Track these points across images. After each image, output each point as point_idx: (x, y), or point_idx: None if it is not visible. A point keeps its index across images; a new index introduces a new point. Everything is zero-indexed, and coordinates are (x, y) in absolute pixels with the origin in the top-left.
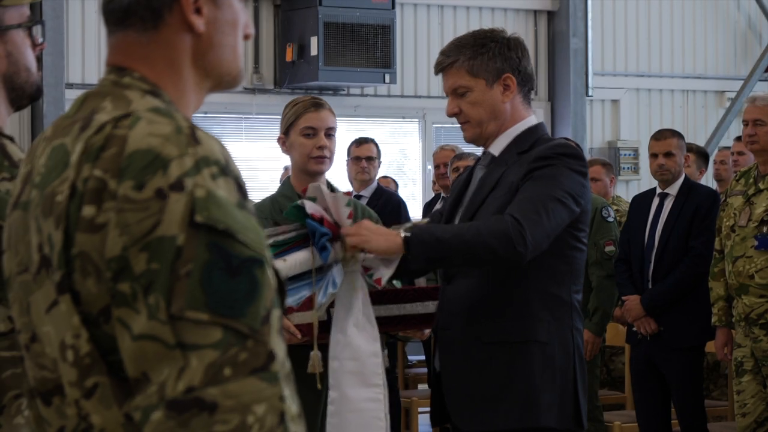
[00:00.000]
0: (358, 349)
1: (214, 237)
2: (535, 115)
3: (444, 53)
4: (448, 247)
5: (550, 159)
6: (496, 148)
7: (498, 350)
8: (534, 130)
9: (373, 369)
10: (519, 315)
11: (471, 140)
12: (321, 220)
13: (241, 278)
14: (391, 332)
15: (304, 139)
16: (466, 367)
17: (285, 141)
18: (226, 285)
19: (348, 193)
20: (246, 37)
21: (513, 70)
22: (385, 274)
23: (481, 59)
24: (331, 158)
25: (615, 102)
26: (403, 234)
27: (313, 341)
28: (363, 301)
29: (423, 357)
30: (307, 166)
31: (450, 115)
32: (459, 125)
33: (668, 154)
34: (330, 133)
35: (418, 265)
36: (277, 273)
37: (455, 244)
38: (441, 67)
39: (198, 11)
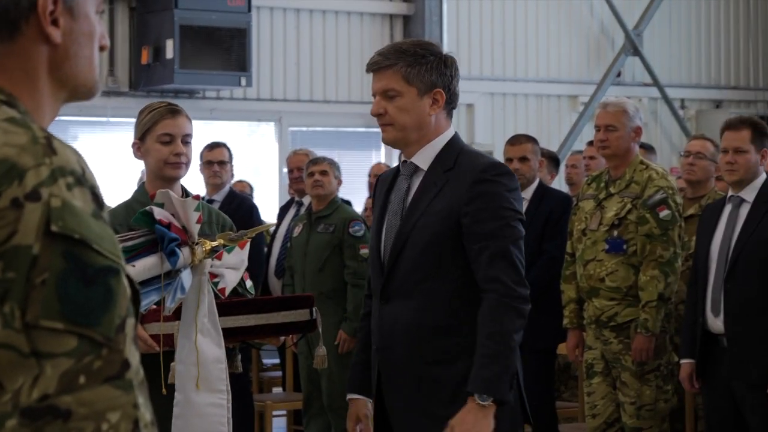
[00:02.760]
0: (202, 355)
1: (70, 246)
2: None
3: (383, 54)
4: (507, 368)
5: (488, 183)
6: (421, 160)
7: (438, 369)
8: (453, 143)
9: (217, 375)
10: (451, 333)
11: (390, 142)
12: (169, 226)
13: (97, 287)
14: (248, 340)
15: (161, 145)
16: (408, 384)
17: (140, 146)
18: (81, 294)
19: (197, 197)
20: (102, 48)
21: (444, 86)
22: (229, 283)
23: (418, 69)
24: (187, 164)
25: (470, 106)
26: (482, 402)
27: (172, 350)
28: (209, 306)
29: (278, 361)
30: (164, 171)
31: (374, 114)
32: (312, 129)
33: (523, 159)
34: (187, 140)
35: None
36: (132, 282)
37: (506, 362)
38: (377, 67)
39: (55, 23)
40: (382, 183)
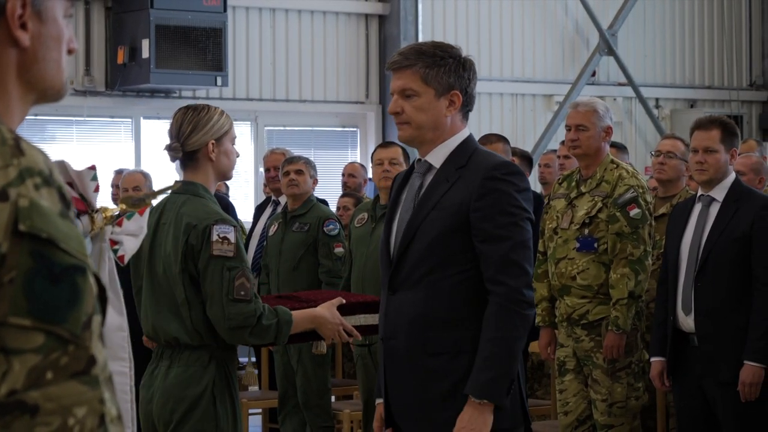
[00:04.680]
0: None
1: (37, 245)
2: (467, 128)
3: (403, 54)
4: (505, 373)
5: (499, 181)
6: (435, 158)
7: (440, 361)
8: (468, 143)
9: (119, 343)
10: (455, 326)
11: (406, 140)
12: None
13: (63, 285)
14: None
15: (233, 147)
16: (410, 375)
17: (215, 148)
18: (48, 292)
19: (92, 167)
20: (70, 51)
21: (461, 89)
22: (129, 250)
23: (437, 70)
24: None
25: None
26: (481, 402)
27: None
28: (110, 274)
29: (254, 359)
30: (231, 171)
31: (392, 113)
32: (288, 128)
33: None
34: None
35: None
36: (98, 279)
37: (505, 367)
38: (396, 66)
39: (23, 26)
40: (396, 182)
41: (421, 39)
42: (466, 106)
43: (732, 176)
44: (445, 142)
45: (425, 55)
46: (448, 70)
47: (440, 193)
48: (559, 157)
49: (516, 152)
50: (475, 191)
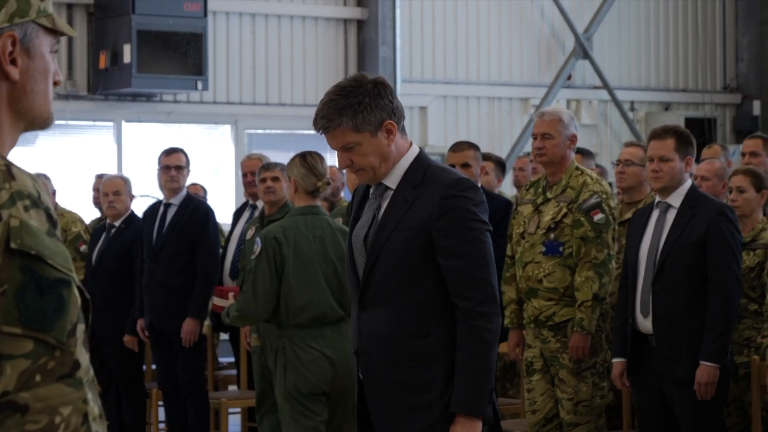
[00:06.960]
0: None
1: (27, 261)
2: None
3: (325, 117)
4: (482, 387)
5: (456, 199)
6: (390, 180)
7: (412, 373)
8: (419, 160)
9: None
10: (423, 339)
11: (367, 182)
12: None
13: (51, 297)
14: None
15: None
16: (386, 386)
17: None
18: (37, 303)
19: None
20: (55, 83)
21: (389, 114)
22: None
23: (362, 116)
24: None
25: (423, 108)
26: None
27: None
28: None
29: (233, 359)
30: None
31: (343, 168)
32: (268, 131)
33: (465, 165)
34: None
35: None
36: (82, 291)
37: (480, 381)
38: (324, 131)
39: (13, 62)
40: (356, 195)
41: (399, 43)
42: (400, 123)
43: (688, 183)
44: (398, 165)
45: (345, 108)
46: (371, 109)
47: (400, 214)
48: (531, 161)
49: (491, 157)
50: (435, 211)
